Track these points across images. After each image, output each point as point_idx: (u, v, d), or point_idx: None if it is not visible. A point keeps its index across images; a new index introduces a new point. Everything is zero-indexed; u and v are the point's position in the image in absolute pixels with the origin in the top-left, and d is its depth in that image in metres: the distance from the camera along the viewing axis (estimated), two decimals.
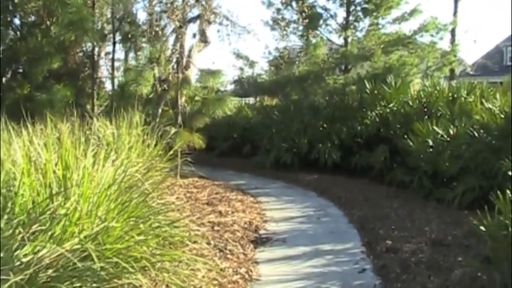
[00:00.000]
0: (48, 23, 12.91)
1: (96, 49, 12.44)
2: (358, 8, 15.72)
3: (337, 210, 9.40)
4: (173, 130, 11.04)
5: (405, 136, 10.68)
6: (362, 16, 15.84)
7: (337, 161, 13.18)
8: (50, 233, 3.69)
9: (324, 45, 16.50)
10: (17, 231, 3.50)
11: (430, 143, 9.99)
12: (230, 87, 21.88)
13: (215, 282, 5.12)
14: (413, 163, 10.25)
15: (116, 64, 13.29)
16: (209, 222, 7.62)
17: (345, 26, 15.84)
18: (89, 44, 12.61)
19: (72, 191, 4.11)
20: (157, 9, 12.18)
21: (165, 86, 11.95)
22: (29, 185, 4.03)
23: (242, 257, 6.23)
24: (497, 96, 10.70)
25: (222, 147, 17.12)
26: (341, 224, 8.37)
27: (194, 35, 12.68)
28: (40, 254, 3.38)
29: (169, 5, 11.71)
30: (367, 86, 13.43)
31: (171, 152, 7.94)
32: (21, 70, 13.60)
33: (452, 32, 19.47)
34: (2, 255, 3.33)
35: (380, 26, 15.98)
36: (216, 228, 7.34)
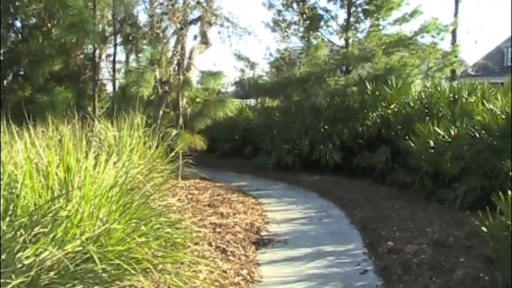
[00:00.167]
0: (49, 25, 12.94)
1: (97, 51, 12.45)
2: (359, 9, 15.72)
3: (338, 211, 9.39)
4: (174, 132, 11.04)
5: (406, 137, 10.68)
6: (363, 17, 15.85)
7: (338, 162, 13.18)
8: (51, 235, 3.69)
9: (324, 47, 16.49)
10: (19, 233, 3.50)
11: (432, 143, 9.98)
12: (231, 88, 21.91)
13: (217, 283, 5.12)
14: (414, 164, 10.24)
15: (117, 66, 13.31)
16: (211, 223, 7.62)
17: (346, 27, 15.84)
18: (90, 46, 12.62)
19: (74, 193, 4.11)
20: (158, 11, 12.21)
21: (166, 87, 11.96)
22: (31, 187, 4.03)
23: (244, 259, 6.23)
24: (498, 96, 10.70)
25: (224, 149, 17.13)
26: (343, 225, 8.37)
27: (195, 37, 12.71)
28: (42, 256, 3.38)
29: (170, 6, 11.72)
30: (368, 87, 13.43)
31: (173, 154, 7.93)
32: (22, 72, 13.63)
33: (453, 32, 19.49)
34: (3, 257, 3.33)
35: (381, 27, 15.98)
36: (217, 229, 7.33)
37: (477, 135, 9.28)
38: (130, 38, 12.65)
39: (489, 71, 27.41)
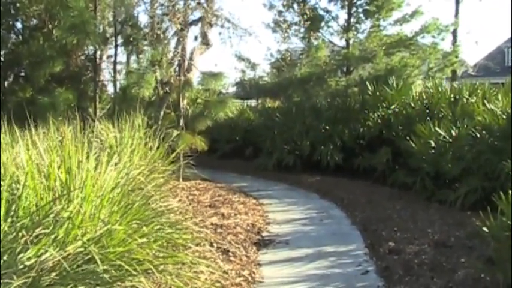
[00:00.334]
0: (50, 26, 12.93)
1: (98, 52, 12.44)
2: (360, 9, 15.73)
3: (339, 212, 9.40)
4: (175, 133, 11.06)
5: (407, 137, 10.68)
6: (363, 18, 15.85)
7: (339, 162, 13.18)
8: (53, 236, 3.69)
9: (325, 47, 16.50)
10: (20, 234, 3.50)
11: (433, 144, 9.98)
12: (232, 89, 21.87)
13: (218, 284, 5.12)
14: (415, 164, 10.24)
15: (118, 67, 13.30)
16: (212, 224, 7.63)
17: (347, 28, 15.85)
18: (91, 47, 12.62)
19: (75, 194, 4.11)
20: (158, 12, 12.19)
21: (167, 88, 11.95)
22: (32, 188, 4.03)
23: (245, 259, 6.23)
24: (499, 97, 10.71)
25: (224, 150, 17.15)
26: (344, 225, 8.37)
27: (196, 38, 12.70)
28: (43, 257, 3.38)
29: (170, 7, 11.72)
30: (369, 87, 13.44)
31: (174, 155, 7.93)
32: (23, 73, 13.62)
33: (454, 33, 19.49)
34: (5, 258, 3.34)
35: (381, 28, 15.99)
36: (218, 230, 7.34)
37: (478, 135, 9.28)
38: (131, 39, 12.64)
39: (490, 71, 27.41)
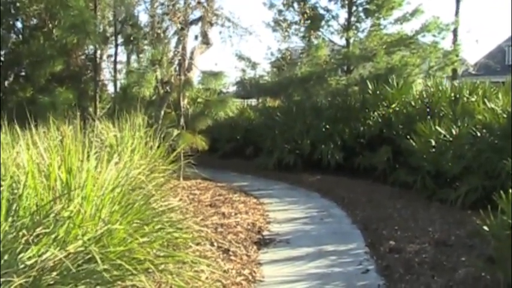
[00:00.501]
0: (50, 26, 12.94)
1: (98, 52, 12.46)
2: (360, 8, 15.72)
3: (340, 211, 9.40)
4: (176, 132, 11.06)
5: (408, 136, 10.68)
6: (364, 17, 15.85)
7: (340, 161, 13.19)
8: (53, 236, 3.69)
9: (325, 46, 16.49)
10: (21, 233, 3.50)
11: (433, 143, 9.99)
12: (232, 88, 21.88)
13: (219, 283, 5.13)
14: (416, 163, 10.24)
15: (118, 66, 13.32)
16: (212, 223, 7.63)
17: (347, 27, 15.85)
18: (91, 47, 12.64)
19: (76, 194, 4.11)
20: (159, 11, 12.20)
21: (167, 88, 11.95)
22: (33, 187, 4.04)
23: (245, 259, 6.23)
24: (500, 96, 10.70)
25: (225, 149, 17.15)
26: (344, 224, 8.37)
27: (196, 37, 12.69)
28: (44, 256, 3.39)
29: (171, 7, 11.72)
30: (370, 86, 13.44)
31: (174, 154, 7.93)
32: (23, 73, 13.63)
33: (454, 31, 19.48)
34: (6, 258, 3.34)
35: (382, 27, 15.99)
36: (219, 229, 7.34)
37: (478, 134, 9.28)
38: (132, 38, 12.65)
39: (490, 70, 27.41)
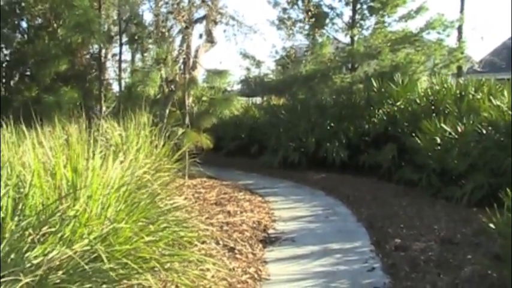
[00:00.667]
0: (55, 25, 12.98)
1: (103, 51, 12.47)
2: (364, 6, 15.69)
3: (345, 209, 9.39)
4: (181, 131, 11.06)
5: (413, 134, 10.67)
6: (368, 14, 15.82)
7: (344, 159, 13.18)
8: (59, 235, 3.70)
9: (330, 44, 16.49)
10: (27, 233, 3.51)
11: (438, 140, 9.97)
12: (237, 87, 21.85)
13: (224, 282, 5.13)
14: (421, 161, 10.23)
15: (123, 65, 13.35)
16: (218, 222, 7.63)
17: (351, 25, 15.82)
18: (96, 46, 12.66)
19: (81, 193, 4.13)
20: (163, 10, 12.20)
21: (172, 86, 11.96)
22: (39, 186, 4.05)
23: (251, 257, 6.23)
24: (505, 93, 10.67)
25: (230, 147, 17.16)
26: (349, 222, 8.36)
27: (200, 36, 12.69)
28: (50, 255, 3.40)
29: (175, 5, 11.72)
30: (374, 84, 13.43)
31: (179, 153, 7.94)
32: (28, 73, 13.68)
33: (459, 29, 19.38)
34: (12, 256, 3.35)
35: (386, 24, 15.95)
36: (224, 228, 7.34)
37: (484, 131, 9.26)
38: (136, 37, 12.67)
39: (496, 67, 27.26)
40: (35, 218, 3.72)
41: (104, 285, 3.67)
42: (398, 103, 12.75)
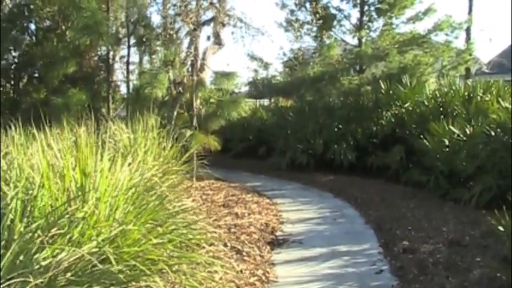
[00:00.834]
0: (63, 27, 13.03)
1: (111, 53, 12.52)
2: (372, 8, 15.67)
3: (353, 211, 9.37)
4: (188, 132, 11.08)
5: (421, 136, 10.65)
6: (376, 16, 15.79)
7: (352, 161, 13.17)
8: (68, 237, 3.72)
9: (338, 46, 16.48)
10: (36, 234, 3.53)
11: (446, 142, 9.95)
12: (245, 88, 21.89)
13: (232, 284, 5.13)
14: (429, 163, 10.20)
15: (131, 67, 13.36)
16: (225, 224, 7.64)
17: (359, 27, 15.80)
18: (104, 48, 12.72)
19: (90, 195, 4.14)
20: (171, 12, 12.23)
21: (180, 88, 11.98)
22: (48, 188, 4.06)
23: (259, 259, 6.23)
24: None
25: (238, 149, 17.18)
26: (357, 224, 8.35)
27: (208, 38, 12.71)
28: (59, 257, 3.41)
29: (183, 8, 11.74)
30: (382, 86, 13.41)
31: (187, 155, 7.95)
32: (37, 74, 13.73)
33: (467, 30, 19.31)
34: (21, 258, 3.36)
35: (394, 26, 15.92)
36: (232, 230, 7.35)
37: (492, 133, 9.22)
38: (144, 39, 12.69)
39: (504, 69, 27.14)
40: (44, 220, 3.73)
41: (112, 287, 3.67)
42: (406, 105, 12.73)
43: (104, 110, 11.65)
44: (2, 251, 3.28)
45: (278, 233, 7.64)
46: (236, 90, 19.53)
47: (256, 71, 19.27)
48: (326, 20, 15.87)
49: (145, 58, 14.80)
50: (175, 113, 11.91)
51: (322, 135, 13.95)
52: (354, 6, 16.03)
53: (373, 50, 15.48)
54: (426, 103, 12.16)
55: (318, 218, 8.83)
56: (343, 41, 16.80)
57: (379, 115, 13.41)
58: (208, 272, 4.69)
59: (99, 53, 13.79)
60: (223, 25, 12.50)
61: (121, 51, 13.39)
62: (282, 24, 16.93)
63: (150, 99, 10.69)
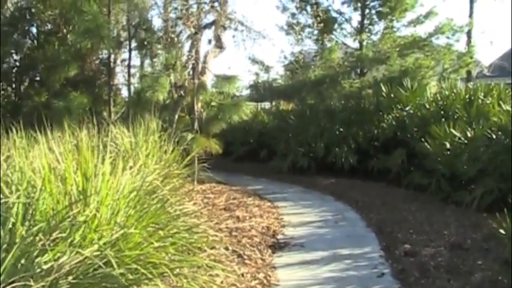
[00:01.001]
0: (64, 31, 13.03)
1: (112, 56, 12.50)
2: (373, 11, 15.71)
3: (354, 214, 9.36)
4: (190, 136, 11.08)
5: (422, 139, 10.65)
6: (377, 19, 15.83)
7: (354, 164, 13.17)
8: (69, 240, 3.72)
9: (339, 49, 16.50)
10: (38, 238, 3.53)
11: (448, 145, 9.94)
12: (246, 92, 21.90)
13: (233, 287, 5.13)
14: (430, 166, 10.20)
15: (132, 71, 13.35)
16: (227, 227, 7.63)
17: (360, 30, 15.84)
18: (105, 51, 12.70)
19: (92, 198, 4.14)
20: (172, 15, 12.23)
21: (181, 92, 11.98)
22: (49, 192, 4.06)
23: (260, 262, 6.23)
24: None
25: (239, 152, 17.16)
26: (359, 228, 8.34)
27: (209, 41, 12.71)
28: (60, 260, 3.41)
29: (184, 11, 11.74)
30: (383, 89, 13.42)
31: (188, 158, 7.95)
32: (38, 78, 13.74)
33: (468, 33, 19.32)
34: (23, 261, 3.36)
35: (395, 29, 15.97)
36: (233, 233, 7.34)
37: (494, 136, 9.22)
38: (145, 42, 12.69)
39: (505, 72, 27.11)
40: (45, 223, 3.74)
41: None
42: (407, 108, 12.74)
43: (105, 114, 11.65)
44: (3, 255, 3.28)
45: (279, 236, 7.63)
46: (237, 94, 19.52)
47: (257, 74, 19.34)
48: (327, 23, 15.89)
49: (147, 61, 14.81)
50: (176, 117, 11.90)
51: (323, 138, 13.96)
52: (355, 9, 16.07)
53: (374, 53, 15.50)
54: (427, 106, 12.17)
55: (319, 221, 8.82)
56: (344, 44, 16.83)
57: (380, 118, 13.42)
58: (209, 275, 4.69)
59: (100, 56, 13.78)
60: (225, 28, 12.51)
61: (122, 54, 13.38)
62: (283, 28, 16.99)
63: (151, 102, 10.69)
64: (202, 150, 10.93)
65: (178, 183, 6.70)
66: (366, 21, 15.87)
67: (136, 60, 14.86)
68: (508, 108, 9.68)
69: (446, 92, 12.28)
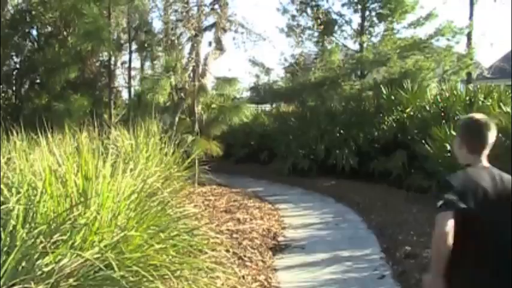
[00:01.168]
0: (65, 33, 13.03)
1: (113, 58, 12.51)
2: (373, 13, 15.70)
3: (355, 216, 9.37)
4: (190, 138, 11.08)
5: (423, 141, 10.63)
6: (377, 21, 15.83)
7: (354, 166, 13.15)
8: (70, 243, 3.71)
9: (339, 51, 16.50)
10: (38, 240, 3.52)
11: (448, 147, 9.93)
12: (246, 94, 21.92)
13: None
14: (431, 168, 10.18)
15: (132, 73, 13.36)
16: (227, 229, 7.63)
17: (360, 32, 15.83)
18: (106, 54, 12.70)
19: (92, 201, 4.14)
20: (172, 18, 12.25)
21: (181, 94, 11.99)
22: (50, 194, 4.06)
23: (261, 264, 6.23)
24: None
25: (240, 155, 17.14)
26: (360, 229, 8.35)
27: (210, 43, 12.73)
28: (61, 263, 3.40)
29: (184, 13, 11.77)
30: (384, 91, 13.41)
31: (189, 160, 7.95)
32: (39, 80, 13.73)
33: (469, 35, 19.31)
34: (23, 264, 3.36)
35: (395, 31, 15.96)
36: (234, 235, 7.34)
37: None
38: (146, 45, 12.70)
39: (505, 73, 27.11)
40: (46, 225, 3.73)
41: None
42: (407, 110, 12.73)
43: (105, 116, 11.64)
44: (4, 257, 3.28)
45: (280, 239, 7.64)
46: (238, 96, 19.53)
47: (257, 76, 19.35)
48: (327, 26, 15.91)
49: (147, 64, 14.83)
50: (177, 119, 11.90)
51: (324, 140, 13.95)
52: (355, 11, 16.06)
53: (374, 55, 15.48)
54: (428, 108, 12.16)
55: (320, 223, 8.83)
56: (345, 46, 16.82)
57: (381, 120, 13.41)
58: (210, 277, 4.68)
59: (100, 58, 13.77)
60: (225, 31, 12.53)
61: (122, 57, 13.40)
62: (283, 30, 17.00)
63: (152, 104, 10.69)
64: (202, 152, 10.93)
65: (178, 185, 6.71)
66: (366, 23, 15.87)
67: (136, 63, 14.90)
68: (508, 109, 9.66)
69: (447, 94, 12.26)
